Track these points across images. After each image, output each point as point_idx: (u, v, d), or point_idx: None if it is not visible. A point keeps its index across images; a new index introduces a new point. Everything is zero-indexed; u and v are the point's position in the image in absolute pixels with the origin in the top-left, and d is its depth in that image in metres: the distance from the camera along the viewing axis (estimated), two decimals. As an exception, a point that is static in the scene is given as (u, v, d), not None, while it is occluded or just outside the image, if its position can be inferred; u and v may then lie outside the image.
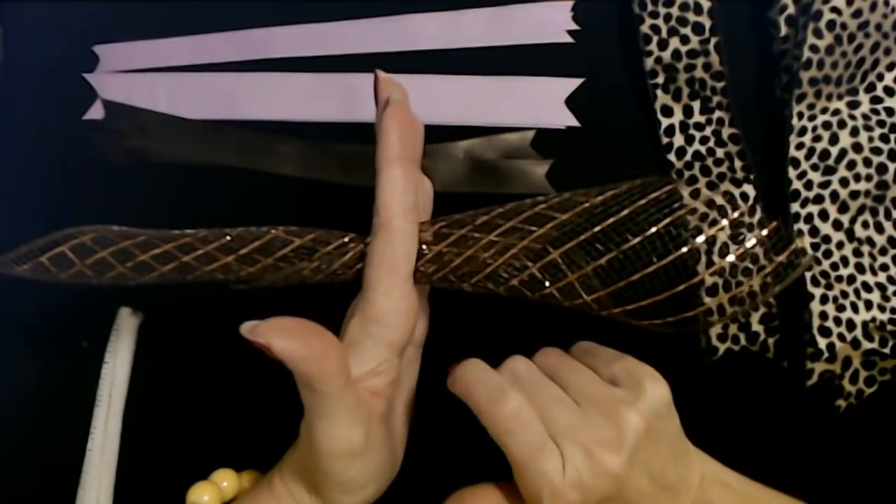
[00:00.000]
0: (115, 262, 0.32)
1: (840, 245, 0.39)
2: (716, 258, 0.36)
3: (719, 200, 0.40)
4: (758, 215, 0.40)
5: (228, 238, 0.32)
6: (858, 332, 0.38)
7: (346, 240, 0.32)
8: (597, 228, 0.30)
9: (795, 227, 0.39)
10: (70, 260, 0.32)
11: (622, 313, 0.31)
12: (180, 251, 0.32)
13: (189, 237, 0.32)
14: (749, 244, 0.30)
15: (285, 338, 0.26)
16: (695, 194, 0.41)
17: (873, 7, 0.39)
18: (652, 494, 0.31)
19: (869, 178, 0.39)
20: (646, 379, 0.31)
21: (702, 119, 0.42)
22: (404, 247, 0.30)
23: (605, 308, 0.31)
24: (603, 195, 0.31)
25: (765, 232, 0.30)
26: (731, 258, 0.32)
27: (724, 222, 0.32)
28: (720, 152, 0.41)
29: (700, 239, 0.30)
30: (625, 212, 0.30)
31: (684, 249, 0.29)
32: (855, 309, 0.38)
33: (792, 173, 0.40)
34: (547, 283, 0.31)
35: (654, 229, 0.30)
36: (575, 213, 0.31)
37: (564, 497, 0.29)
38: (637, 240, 0.30)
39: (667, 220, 0.30)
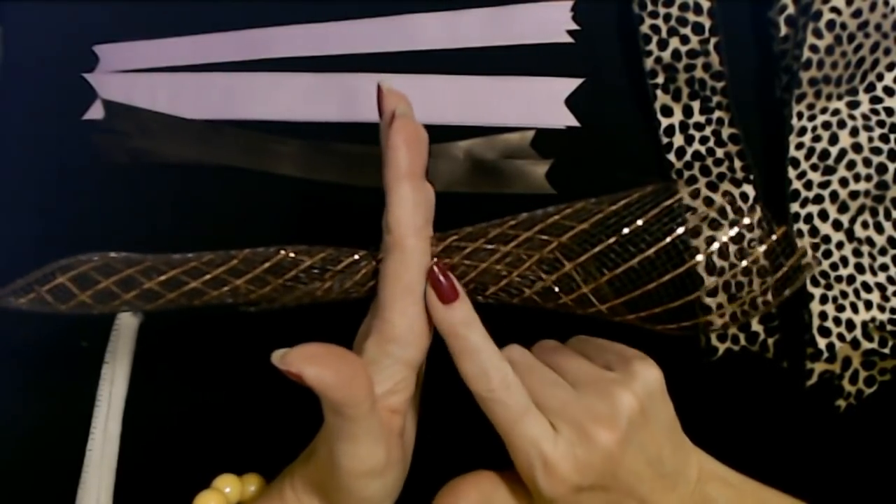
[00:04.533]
0: (118, 290, 0.31)
1: (840, 245, 0.39)
2: (717, 260, 0.36)
3: (719, 200, 0.40)
4: (757, 215, 0.40)
5: (235, 261, 0.31)
6: (858, 332, 0.38)
7: (357, 258, 0.31)
8: (612, 240, 0.30)
9: (795, 227, 0.39)
10: (70, 291, 0.31)
11: (636, 319, 0.31)
12: (187, 276, 0.31)
13: (194, 261, 0.31)
14: (761, 250, 0.30)
15: (316, 365, 0.26)
16: (694, 194, 0.41)
17: (873, 7, 0.39)
18: (649, 480, 0.31)
19: (869, 178, 0.39)
20: (638, 362, 0.32)
21: (701, 119, 0.42)
22: (418, 265, 0.30)
23: (619, 315, 0.31)
24: (615, 205, 0.31)
25: (774, 237, 0.30)
26: (744, 263, 0.32)
27: (735, 230, 0.32)
28: (720, 152, 0.41)
29: (714, 247, 0.30)
30: (639, 222, 0.30)
31: (700, 258, 0.30)
32: (854, 309, 0.38)
33: (792, 173, 0.40)
34: (561, 295, 0.31)
35: (669, 239, 0.30)
36: (589, 224, 0.31)
37: (559, 470, 0.29)
38: (652, 250, 0.29)
39: (679, 231, 0.30)
